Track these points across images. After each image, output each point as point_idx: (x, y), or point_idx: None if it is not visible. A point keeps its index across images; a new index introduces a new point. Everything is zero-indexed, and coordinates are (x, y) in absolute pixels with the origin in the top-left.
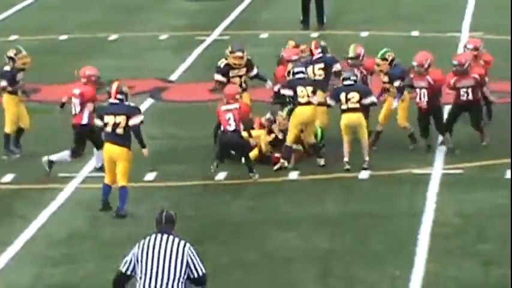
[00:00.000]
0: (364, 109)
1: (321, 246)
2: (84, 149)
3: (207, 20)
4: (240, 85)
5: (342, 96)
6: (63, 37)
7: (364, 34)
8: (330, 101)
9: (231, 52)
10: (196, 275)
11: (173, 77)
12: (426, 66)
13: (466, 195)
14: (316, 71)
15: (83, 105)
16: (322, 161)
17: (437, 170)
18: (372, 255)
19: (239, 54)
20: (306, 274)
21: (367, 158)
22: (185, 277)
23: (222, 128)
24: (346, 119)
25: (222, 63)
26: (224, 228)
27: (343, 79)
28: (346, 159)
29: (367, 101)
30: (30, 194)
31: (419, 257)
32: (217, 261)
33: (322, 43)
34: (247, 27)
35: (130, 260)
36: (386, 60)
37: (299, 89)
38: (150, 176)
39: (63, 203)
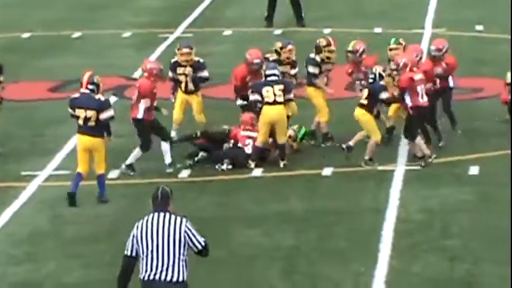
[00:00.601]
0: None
1: (285, 243)
2: (151, 142)
3: (170, 18)
4: (186, 84)
5: (265, 90)
6: (26, 35)
7: (326, 31)
8: (254, 97)
9: (178, 49)
10: (196, 249)
11: (136, 74)
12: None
13: (429, 191)
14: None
15: (139, 98)
16: (282, 163)
17: (400, 166)
18: (336, 252)
19: (185, 50)
20: (270, 271)
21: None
22: (185, 253)
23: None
24: (268, 114)
25: (173, 60)
26: None
27: (266, 75)
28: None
29: (290, 96)
30: None
31: (383, 254)
32: None
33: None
34: (211, 24)
35: (132, 242)
36: (401, 44)
37: (264, 89)
38: (113, 173)
39: (25, 201)
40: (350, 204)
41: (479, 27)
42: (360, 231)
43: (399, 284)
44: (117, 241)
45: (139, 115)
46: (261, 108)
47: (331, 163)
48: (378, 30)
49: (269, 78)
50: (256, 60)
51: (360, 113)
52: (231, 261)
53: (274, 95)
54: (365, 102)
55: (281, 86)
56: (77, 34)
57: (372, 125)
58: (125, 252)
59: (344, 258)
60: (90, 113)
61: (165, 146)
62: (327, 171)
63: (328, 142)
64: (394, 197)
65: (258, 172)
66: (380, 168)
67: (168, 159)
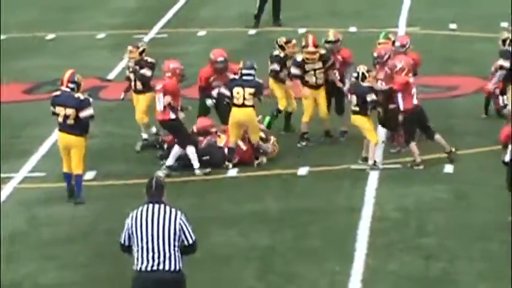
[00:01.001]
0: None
1: (261, 243)
2: (190, 135)
3: (145, 18)
4: (135, 82)
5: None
6: (1, 37)
7: (301, 30)
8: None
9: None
10: (187, 242)
11: (111, 75)
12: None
13: (405, 189)
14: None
15: (167, 99)
16: (256, 163)
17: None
18: (311, 251)
19: (129, 48)
20: (246, 271)
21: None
22: (179, 244)
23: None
24: (236, 115)
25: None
26: None
27: (242, 74)
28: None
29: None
30: None
31: (358, 252)
32: None
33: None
34: (185, 25)
35: (126, 233)
36: (390, 39)
37: (235, 90)
38: (89, 175)
39: (2, 203)
40: (326, 204)
41: (452, 26)
42: (335, 230)
43: (375, 283)
44: (92, 242)
45: (172, 115)
46: (228, 104)
47: (307, 163)
48: (352, 29)
49: (244, 78)
50: (220, 58)
51: (355, 118)
52: (208, 261)
53: (244, 98)
54: (357, 108)
55: (252, 90)
56: (51, 36)
57: (368, 127)
58: (121, 241)
59: (320, 258)
60: (70, 111)
61: (176, 149)
62: (303, 170)
63: (304, 142)
64: (370, 196)
65: (233, 172)
66: (355, 167)
67: (170, 162)
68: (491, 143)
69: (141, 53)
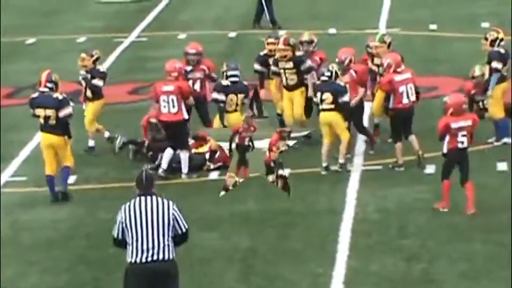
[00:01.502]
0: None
1: (243, 245)
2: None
3: (124, 22)
4: (85, 90)
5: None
6: None
7: (281, 33)
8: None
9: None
10: (180, 231)
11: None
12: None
13: (386, 191)
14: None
15: (179, 100)
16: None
17: (357, 166)
18: (293, 253)
19: (82, 56)
20: (228, 273)
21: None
22: (172, 234)
23: None
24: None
25: None
26: None
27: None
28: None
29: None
30: None
31: (340, 254)
32: None
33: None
34: (165, 28)
35: (120, 227)
36: (385, 42)
37: (230, 96)
38: (69, 179)
39: None
40: (307, 205)
41: (433, 27)
42: (317, 232)
43: (357, 284)
44: (73, 247)
45: (185, 115)
46: (221, 108)
47: (288, 164)
48: (332, 31)
49: (231, 79)
50: (191, 51)
51: (328, 116)
52: (189, 263)
53: (236, 104)
54: (332, 106)
55: (242, 95)
56: (31, 40)
57: (342, 125)
58: (114, 235)
59: (302, 259)
60: (50, 112)
61: (169, 152)
62: (284, 172)
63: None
64: (351, 198)
65: (214, 175)
66: (335, 168)
67: (164, 165)
68: (472, 144)
69: (94, 62)
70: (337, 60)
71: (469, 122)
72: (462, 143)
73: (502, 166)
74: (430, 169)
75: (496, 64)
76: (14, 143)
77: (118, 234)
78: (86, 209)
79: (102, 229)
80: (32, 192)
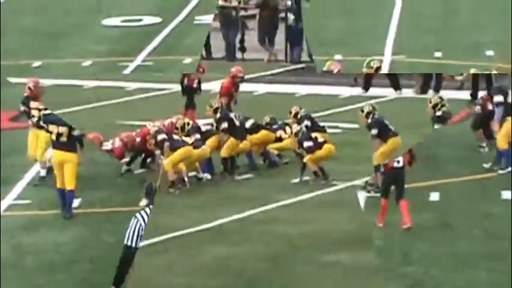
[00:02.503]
0: None
1: None
2: None
3: (130, 46)
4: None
5: None
6: None
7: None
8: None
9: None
10: None
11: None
12: None
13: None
14: None
15: None
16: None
17: (361, 193)
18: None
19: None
20: None
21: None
22: None
23: None
24: None
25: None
26: None
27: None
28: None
29: None
30: None
31: None
32: None
33: None
34: (171, 52)
35: (139, 236)
36: (372, 68)
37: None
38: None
39: None
40: None
41: (437, 54)
42: None
43: None
44: (77, 270)
45: None
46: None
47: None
48: (338, 57)
49: None
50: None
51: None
52: None
53: None
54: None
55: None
56: (37, 63)
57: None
58: (128, 244)
59: None
60: (62, 129)
61: None
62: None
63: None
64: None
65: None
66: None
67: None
68: (476, 172)
69: None
70: None
71: None
72: (398, 162)
73: (506, 194)
74: (434, 196)
75: (499, 98)
76: (18, 166)
77: (137, 243)
78: (90, 232)
79: (106, 252)
80: (35, 215)
